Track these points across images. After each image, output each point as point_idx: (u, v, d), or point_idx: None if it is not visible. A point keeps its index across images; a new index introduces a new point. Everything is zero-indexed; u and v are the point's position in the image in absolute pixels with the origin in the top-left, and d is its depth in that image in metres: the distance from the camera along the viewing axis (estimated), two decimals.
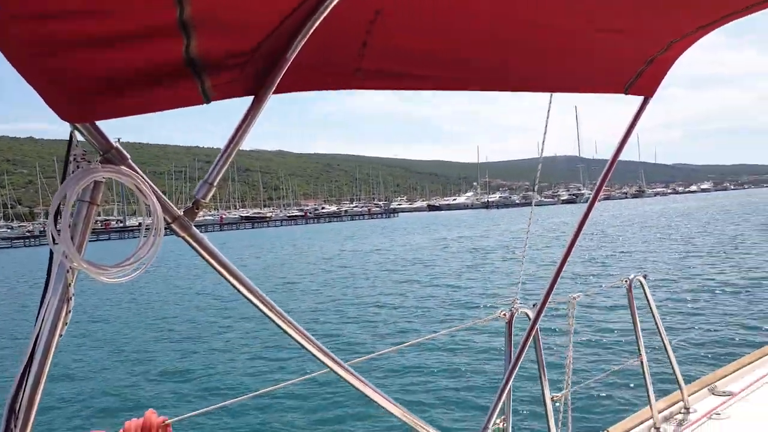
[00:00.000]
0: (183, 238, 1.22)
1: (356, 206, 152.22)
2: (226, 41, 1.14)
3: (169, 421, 1.59)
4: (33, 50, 0.93)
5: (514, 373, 2.41)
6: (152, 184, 1.13)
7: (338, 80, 1.47)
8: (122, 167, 1.09)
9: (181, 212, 1.22)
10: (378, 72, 1.50)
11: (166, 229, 1.16)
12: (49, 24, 0.90)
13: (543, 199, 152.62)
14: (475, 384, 9.01)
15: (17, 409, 1.06)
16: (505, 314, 2.71)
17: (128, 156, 1.10)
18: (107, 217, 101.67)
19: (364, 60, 1.45)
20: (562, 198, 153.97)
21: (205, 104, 1.20)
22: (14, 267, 43.98)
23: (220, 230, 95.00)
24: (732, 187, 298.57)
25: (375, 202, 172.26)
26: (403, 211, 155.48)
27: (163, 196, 1.16)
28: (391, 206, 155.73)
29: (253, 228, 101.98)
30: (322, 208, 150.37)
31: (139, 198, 1.12)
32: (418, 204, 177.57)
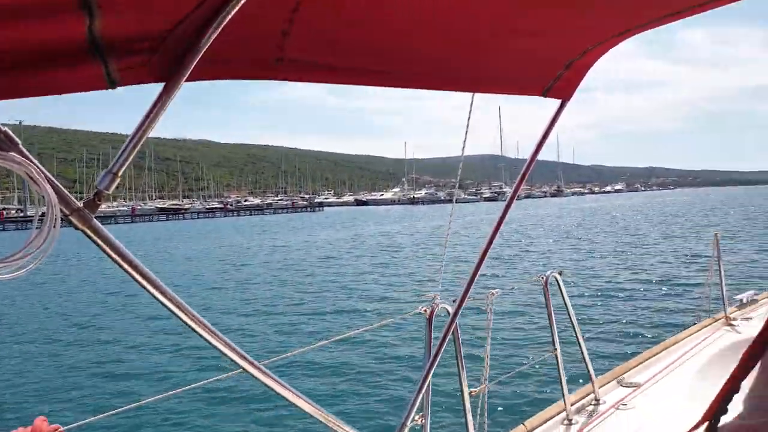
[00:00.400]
0: (82, 231, 1.14)
1: (281, 199, 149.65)
2: (134, 23, 1.08)
3: (62, 429, 1.52)
4: None
5: (433, 369, 2.41)
6: (47, 172, 1.03)
7: (257, 70, 1.42)
8: (11, 153, 0.99)
9: (80, 204, 1.13)
10: (299, 63, 1.47)
11: (63, 221, 1.08)
12: None
13: (466, 196, 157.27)
14: (394, 381, 9.01)
15: None
16: (425, 310, 2.71)
17: (19, 141, 1.01)
18: (5, 206, 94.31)
19: (285, 50, 1.40)
20: (484, 196, 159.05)
21: (110, 89, 1.13)
22: None
23: (132, 222, 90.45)
24: (642, 189, 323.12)
25: (301, 195, 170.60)
26: (330, 205, 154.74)
27: (59, 185, 1.06)
28: (317, 200, 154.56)
29: (167, 220, 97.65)
30: (245, 200, 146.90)
31: (32, 187, 1.02)
32: (345, 198, 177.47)
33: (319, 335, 12.17)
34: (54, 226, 1.03)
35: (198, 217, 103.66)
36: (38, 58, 1.00)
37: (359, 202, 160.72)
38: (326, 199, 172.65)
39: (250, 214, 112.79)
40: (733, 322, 5.54)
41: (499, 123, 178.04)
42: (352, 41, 1.50)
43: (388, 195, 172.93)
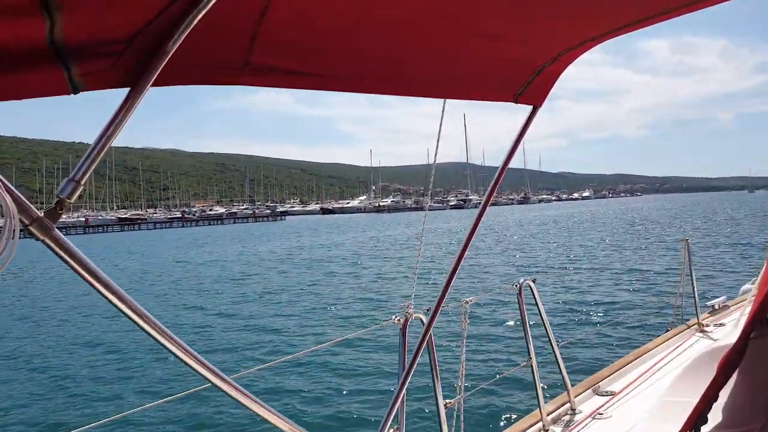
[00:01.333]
0: (43, 241, 1.10)
1: (245, 208, 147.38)
2: (97, 26, 1.04)
3: None
4: None
5: (408, 380, 2.36)
6: (5, 181, 1.00)
7: (224, 75, 1.40)
8: None
9: (41, 213, 1.08)
10: (266, 68, 1.45)
11: (22, 231, 1.04)
12: None
13: (433, 204, 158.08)
14: (369, 393, 8.86)
15: None
16: (399, 320, 2.67)
17: None
18: None
19: (252, 55, 1.38)
20: (450, 203, 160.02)
21: (72, 94, 1.10)
22: None
23: (84, 233, 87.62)
24: (610, 195, 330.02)
25: (266, 204, 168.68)
26: (295, 214, 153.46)
27: (20, 195, 1.03)
28: (282, 209, 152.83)
29: (122, 231, 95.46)
30: (211, 209, 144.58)
31: None
32: (311, 207, 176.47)
33: (290, 347, 11.92)
34: (12, 237, 0.99)
35: (155, 228, 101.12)
36: None
37: (325, 211, 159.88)
38: (291, 207, 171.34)
39: (209, 224, 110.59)
40: (706, 329, 5.57)
41: (465, 130, 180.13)
42: (320, 46, 1.49)
43: (354, 203, 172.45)
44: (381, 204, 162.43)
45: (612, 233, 43.70)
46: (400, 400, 2.35)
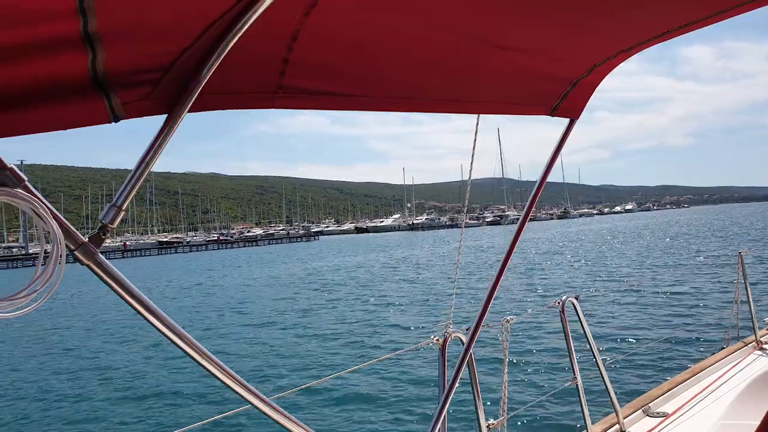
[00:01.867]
0: (88, 266, 1.12)
1: (281, 229, 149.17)
2: (136, 57, 1.09)
3: None
4: None
5: (449, 401, 2.33)
6: (52, 208, 1.03)
7: (259, 99, 1.43)
8: (17, 190, 0.99)
9: (86, 238, 1.12)
10: (300, 91, 1.48)
11: (68, 256, 1.07)
12: None
13: (468, 221, 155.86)
14: (408, 414, 8.56)
15: None
16: (438, 340, 2.66)
17: (25, 178, 1.01)
18: (9, 244, 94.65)
19: (285, 78, 1.41)
20: (487, 220, 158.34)
21: (113, 123, 1.14)
22: None
23: (122, 257, 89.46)
24: (655, 208, 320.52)
25: (303, 225, 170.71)
26: (330, 233, 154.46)
27: (65, 221, 1.06)
28: (316, 229, 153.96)
29: (159, 254, 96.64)
30: (249, 231, 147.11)
31: (38, 223, 1.02)
32: (346, 226, 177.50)
33: (327, 369, 11.69)
34: (60, 262, 1.02)
35: (190, 251, 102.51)
36: (41, 94, 1.01)
37: (359, 230, 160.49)
38: (326, 227, 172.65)
39: (246, 245, 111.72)
40: (765, 346, 5.22)
41: (499, 145, 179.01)
42: (351, 67, 1.50)
43: (388, 221, 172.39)
44: (415, 222, 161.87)
45: (657, 246, 42.11)
46: (441, 421, 2.31)
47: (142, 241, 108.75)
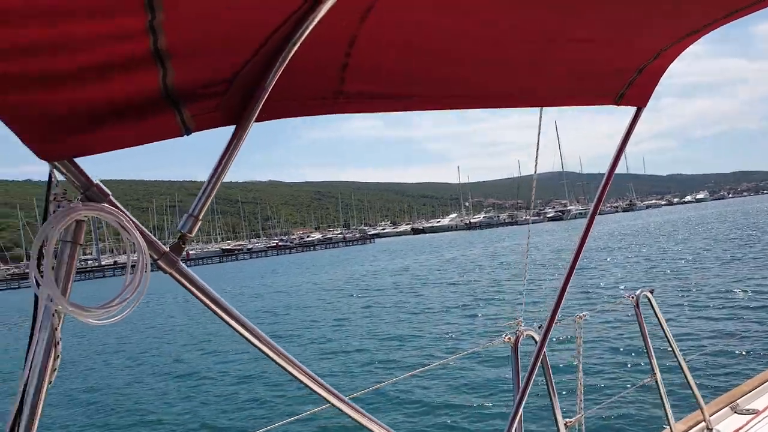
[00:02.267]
0: (170, 274, 1.19)
1: (338, 233, 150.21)
2: (203, 70, 1.13)
3: None
4: (4, 90, 0.93)
5: (524, 400, 2.35)
6: (136, 221, 1.10)
7: (320, 105, 1.46)
8: (104, 204, 1.06)
9: (167, 248, 1.18)
10: (360, 94, 1.50)
11: (152, 265, 1.14)
12: (18, 62, 0.89)
13: (528, 217, 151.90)
14: (483, 413, 8.43)
15: None
16: (509, 338, 2.63)
17: (109, 192, 1.08)
18: (86, 257, 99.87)
19: (345, 83, 1.44)
20: (548, 215, 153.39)
21: (185, 136, 1.19)
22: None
23: (187, 266, 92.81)
24: (730, 195, 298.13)
25: (360, 228, 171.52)
26: (387, 235, 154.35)
27: (148, 232, 1.13)
28: (373, 231, 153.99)
29: (221, 262, 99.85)
30: (308, 236, 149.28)
31: (123, 235, 1.09)
32: (402, 228, 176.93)
33: (397, 369, 11.57)
34: (146, 271, 1.09)
35: (250, 257, 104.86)
36: (120, 113, 1.06)
37: (416, 231, 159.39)
38: (383, 230, 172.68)
39: (303, 251, 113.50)
40: None
41: (557, 138, 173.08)
42: (409, 69, 1.52)
43: (445, 221, 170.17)
44: (472, 221, 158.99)
45: (732, 236, 38.85)
46: (517, 419, 2.31)
47: (206, 249, 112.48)
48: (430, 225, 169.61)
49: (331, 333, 16.77)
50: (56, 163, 1.04)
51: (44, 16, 0.84)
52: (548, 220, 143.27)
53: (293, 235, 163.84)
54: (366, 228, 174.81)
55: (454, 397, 9.23)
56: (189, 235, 1.19)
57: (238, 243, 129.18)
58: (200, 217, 1.20)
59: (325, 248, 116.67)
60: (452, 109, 1.68)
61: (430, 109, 1.65)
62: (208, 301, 1.24)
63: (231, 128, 1.23)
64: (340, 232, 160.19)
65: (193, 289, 1.22)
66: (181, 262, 1.19)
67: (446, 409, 8.74)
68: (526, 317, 2.71)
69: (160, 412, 10.35)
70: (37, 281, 1.02)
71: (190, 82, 1.12)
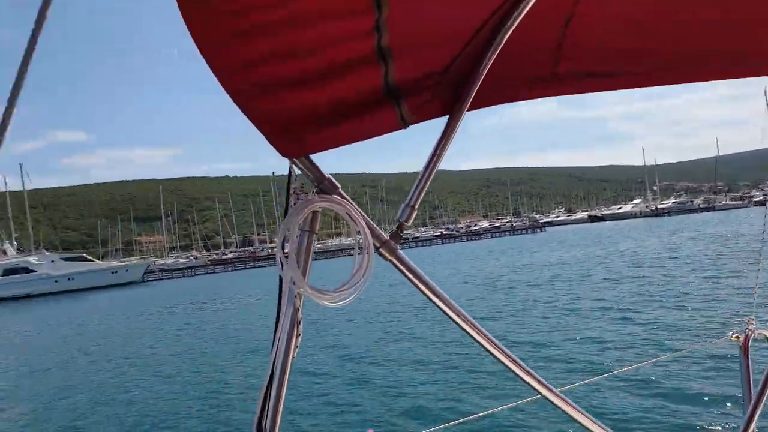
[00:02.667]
0: (390, 261, 1.24)
1: (506, 222, 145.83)
2: (421, 63, 1.16)
3: None
4: (253, 95, 1.01)
5: (759, 408, 2.09)
6: (361, 211, 1.18)
7: (534, 88, 1.46)
8: (334, 196, 1.15)
9: (387, 236, 1.24)
10: (575, 75, 1.48)
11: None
12: (266, 70, 0.98)
13: (728, 201, 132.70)
14: (707, 419, 7.68)
15: (263, 428, 1.16)
16: (737, 337, 2.37)
17: (338, 185, 1.16)
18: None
19: (559, 65, 1.43)
20: (754, 200, 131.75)
21: (403, 129, 1.23)
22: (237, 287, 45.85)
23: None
24: None
25: (529, 216, 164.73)
26: (561, 224, 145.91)
27: (371, 221, 1.20)
28: (545, 219, 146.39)
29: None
30: (475, 225, 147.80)
31: (350, 224, 1.17)
32: (577, 215, 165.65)
33: (613, 362, 10.85)
34: (370, 258, 1.17)
35: (416, 246, 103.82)
36: (348, 111, 1.13)
37: (593, 219, 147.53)
38: (556, 217, 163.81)
39: (469, 240, 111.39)
40: None
41: None
42: (628, 45, 1.47)
43: (627, 208, 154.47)
44: (660, 207, 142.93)
45: None
46: (751, 430, 2.09)
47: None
48: (609, 212, 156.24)
49: (513, 326, 15.86)
50: (295, 160, 1.13)
51: (296, 23, 0.92)
52: (754, 205, 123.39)
53: (459, 224, 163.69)
54: (537, 216, 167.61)
55: (671, 399, 8.45)
56: (406, 223, 1.24)
57: (407, 232, 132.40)
58: (416, 207, 1.25)
59: (492, 237, 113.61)
60: (668, 84, 1.58)
61: (645, 86, 1.54)
62: (424, 289, 1.26)
63: (443, 119, 1.24)
64: (508, 220, 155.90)
65: (411, 276, 1.24)
66: (399, 251, 1.23)
67: (662, 411, 7.98)
68: (759, 316, 2.38)
69: (379, 397, 10.40)
70: (282, 265, 1.12)
71: (409, 77, 1.15)
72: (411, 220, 1.24)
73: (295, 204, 1.13)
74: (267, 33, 0.93)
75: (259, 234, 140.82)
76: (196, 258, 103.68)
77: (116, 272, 65.61)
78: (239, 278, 62.36)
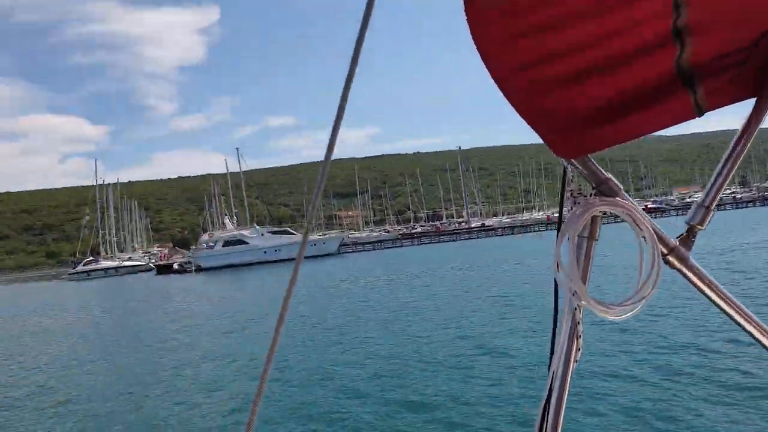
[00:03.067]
0: (679, 270, 1.11)
1: (731, 193, 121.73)
2: (720, 41, 1.02)
3: None
4: (530, 95, 0.97)
5: None
6: (647, 215, 1.07)
7: None
8: (617, 199, 1.06)
9: (676, 242, 1.11)
10: None
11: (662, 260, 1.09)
12: (543, 68, 0.93)
13: None
14: None
15: None
16: None
17: (620, 187, 1.07)
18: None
19: None
20: None
21: (697, 117, 1.11)
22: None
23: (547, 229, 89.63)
24: None
25: (761, 185, 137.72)
26: None
27: (657, 226, 1.09)
28: None
29: (546, 230, 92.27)
30: (690, 197, 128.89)
31: (635, 230, 1.07)
32: None
33: None
34: (658, 267, 1.05)
35: (614, 222, 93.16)
36: (632, 102, 1.03)
37: None
38: None
39: (677, 215, 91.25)
40: None
41: None
42: None
43: None
44: None
45: None
46: None
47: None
48: None
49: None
50: (572, 160, 1.05)
51: (588, 13, 0.86)
52: None
53: (671, 195, 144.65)
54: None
55: None
56: (699, 227, 1.10)
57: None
58: (712, 208, 1.11)
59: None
60: None
61: None
62: (725, 306, 1.10)
63: (746, 103, 1.11)
64: (732, 191, 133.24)
65: (705, 289, 1.10)
66: (691, 258, 1.10)
67: None
68: None
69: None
70: (558, 273, 1.05)
71: (706, 58, 1.02)
72: (705, 224, 1.09)
73: (572, 208, 1.05)
74: (546, 30, 0.89)
75: (446, 209, 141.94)
76: (387, 232, 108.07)
77: (315, 245, 70.77)
78: (428, 251, 62.60)
